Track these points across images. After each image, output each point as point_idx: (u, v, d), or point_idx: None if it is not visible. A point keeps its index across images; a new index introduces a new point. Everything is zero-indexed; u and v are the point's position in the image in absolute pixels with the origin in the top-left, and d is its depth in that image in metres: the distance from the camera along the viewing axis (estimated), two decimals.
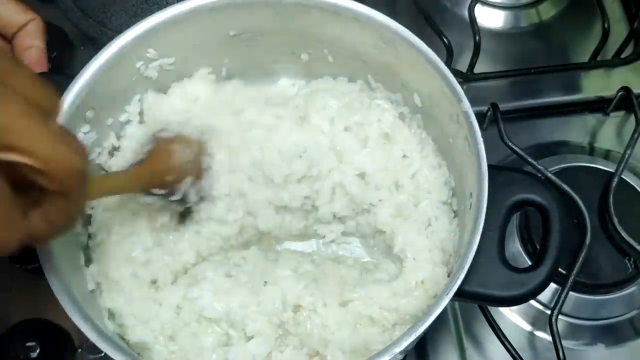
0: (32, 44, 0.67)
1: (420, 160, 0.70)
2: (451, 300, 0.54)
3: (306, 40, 0.71)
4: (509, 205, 0.60)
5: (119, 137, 0.70)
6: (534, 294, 0.58)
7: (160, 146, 0.64)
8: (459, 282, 0.54)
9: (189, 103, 0.73)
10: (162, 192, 0.64)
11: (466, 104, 0.60)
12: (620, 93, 0.87)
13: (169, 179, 0.64)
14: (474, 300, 0.60)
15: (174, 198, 0.65)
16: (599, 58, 0.92)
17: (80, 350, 0.73)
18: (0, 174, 0.41)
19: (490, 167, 0.58)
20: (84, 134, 0.64)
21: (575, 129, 0.90)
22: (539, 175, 0.77)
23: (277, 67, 0.76)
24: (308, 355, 0.65)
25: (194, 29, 0.67)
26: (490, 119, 0.85)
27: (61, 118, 0.60)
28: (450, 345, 0.76)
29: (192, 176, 0.65)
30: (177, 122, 0.68)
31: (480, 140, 0.59)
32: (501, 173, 0.61)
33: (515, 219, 0.79)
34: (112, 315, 0.64)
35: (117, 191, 0.63)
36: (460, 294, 0.55)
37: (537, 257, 0.60)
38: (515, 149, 0.78)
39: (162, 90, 0.72)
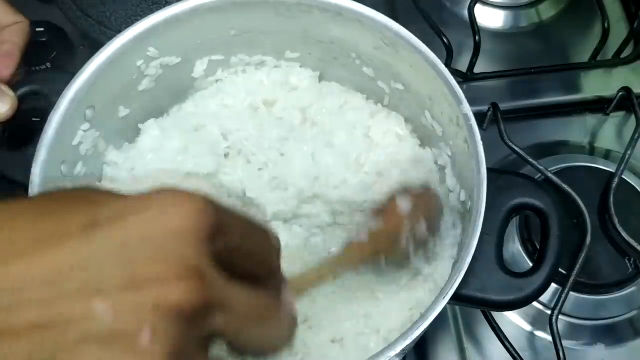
0: (11, 39, 0.66)
1: None
2: (447, 304, 0.54)
3: (307, 41, 0.71)
4: (507, 209, 0.60)
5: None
6: (531, 299, 0.58)
7: (392, 205, 0.57)
8: (455, 285, 0.54)
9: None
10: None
11: (466, 106, 0.60)
12: (620, 93, 0.87)
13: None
14: (471, 305, 0.60)
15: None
16: (599, 58, 0.92)
17: None
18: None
19: (489, 170, 0.58)
20: (84, 132, 0.64)
21: (575, 129, 0.90)
22: (539, 175, 0.77)
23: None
24: None
25: (195, 28, 0.67)
26: (491, 119, 0.85)
27: (60, 116, 0.60)
28: (450, 345, 0.76)
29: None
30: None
31: (480, 143, 0.58)
32: (500, 177, 0.61)
33: (515, 219, 0.79)
34: None
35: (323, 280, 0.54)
36: (456, 298, 0.55)
37: (536, 262, 0.60)
38: (516, 149, 0.78)
39: None
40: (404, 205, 0.58)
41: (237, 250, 0.36)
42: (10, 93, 0.64)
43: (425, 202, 0.60)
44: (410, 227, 0.57)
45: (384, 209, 0.59)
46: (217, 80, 0.74)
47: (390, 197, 0.59)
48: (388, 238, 0.57)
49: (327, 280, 0.54)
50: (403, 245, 0.57)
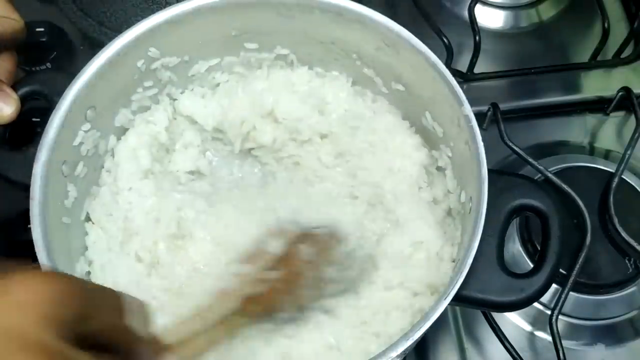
0: None
1: None
2: (449, 304, 0.54)
3: (308, 41, 0.71)
4: (508, 210, 0.60)
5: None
6: (532, 300, 0.58)
7: (291, 252, 0.52)
8: (457, 286, 0.54)
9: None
10: None
11: (467, 107, 0.60)
12: (620, 93, 0.87)
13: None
14: (472, 305, 0.60)
15: None
16: (599, 58, 0.92)
17: None
18: None
19: (490, 171, 0.58)
20: (85, 132, 0.64)
21: (575, 129, 0.90)
22: (539, 175, 0.77)
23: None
24: None
25: (196, 28, 0.67)
26: (491, 119, 0.85)
27: (61, 116, 0.60)
28: (451, 345, 0.76)
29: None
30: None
31: (481, 144, 0.58)
32: (501, 178, 0.61)
33: (515, 220, 0.79)
34: None
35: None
36: (458, 299, 0.55)
37: (536, 263, 0.60)
38: (516, 149, 0.78)
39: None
40: (305, 251, 0.54)
41: (90, 321, 0.34)
42: (15, 95, 0.63)
43: (327, 244, 0.55)
44: (311, 274, 0.52)
45: (283, 257, 0.54)
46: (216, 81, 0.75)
47: (289, 242, 0.54)
48: (287, 288, 0.52)
49: (223, 341, 0.48)
50: (304, 294, 0.52)
